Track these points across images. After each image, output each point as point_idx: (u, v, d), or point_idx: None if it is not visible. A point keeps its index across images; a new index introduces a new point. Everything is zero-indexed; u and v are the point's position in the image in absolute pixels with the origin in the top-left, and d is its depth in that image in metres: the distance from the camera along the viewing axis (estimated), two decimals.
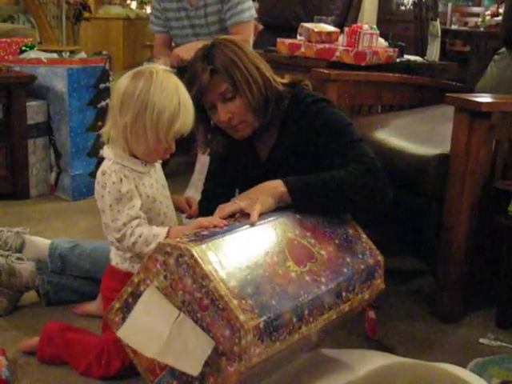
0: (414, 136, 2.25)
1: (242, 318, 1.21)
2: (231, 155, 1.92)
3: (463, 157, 1.94)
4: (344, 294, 1.50)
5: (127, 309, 1.41)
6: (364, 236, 1.65)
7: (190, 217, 1.80)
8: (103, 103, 3.25)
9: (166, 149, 1.60)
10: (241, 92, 1.71)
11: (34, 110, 3.15)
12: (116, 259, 1.67)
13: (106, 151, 1.60)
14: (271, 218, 1.50)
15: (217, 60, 1.71)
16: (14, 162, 3.09)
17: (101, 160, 1.62)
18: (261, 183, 1.63)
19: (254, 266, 1.33)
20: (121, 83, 1.57)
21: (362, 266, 1.57)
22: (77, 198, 3.18)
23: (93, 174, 3.17)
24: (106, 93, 3.28)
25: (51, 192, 3.27)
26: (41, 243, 2.12)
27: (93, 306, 1.98)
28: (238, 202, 1.54)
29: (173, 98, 1.53)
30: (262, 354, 1.25)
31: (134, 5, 8.39)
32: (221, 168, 1.99)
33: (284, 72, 2.95)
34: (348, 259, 1.55)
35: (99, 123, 3.21)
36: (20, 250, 2.09)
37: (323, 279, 1.44)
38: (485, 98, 1.99)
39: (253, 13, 3.25)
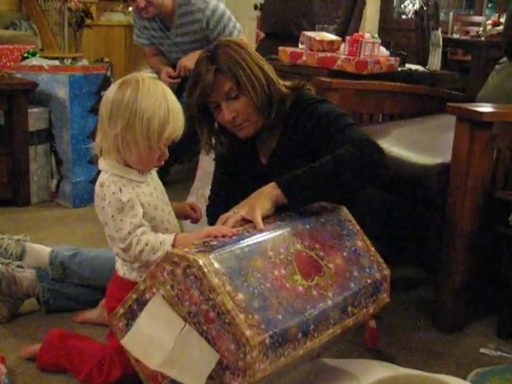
0: (415, 145, 2.25)
1: (248, 333, 1.21)
2: (234, 159, 1.93)
3: (464, 166, 1.94)
4: (350, 308, 1.49)
5: (131, 315, 1.40)
6: (372, 249, 1.64)
7: (195, 222, 1.80)
8: None
9: (160, 156, 1.58)
10: (244, 91, 1.73)
11: (36, 117, 3.15)
12: (123, 269, 1.65)
13: (100, 164, 1.59)
14: (281, 230, 1.48)
15: (221, 60, 1.73)
16: (15, 168, 3.09)
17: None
18: (262, 187, 1.63)
19: (261, 279, 1.32)
20: (108, 94, 1.55)
21: (369, 281, 1.56)
22: (77, 205, 3.18)
23: (94, 181, 3.16)
24: None
25: (52, 199, 3.27)
26: (41, 251, 2.12)
27: (93, 314, 1.98)
28: (238, 211, 1.54)
29: (161, 104, 1.52)
30: (266, 370, 1.25)
31: None
32: (225, 173, 2.00)
33: (286, 80, 2.96)
34: (355, 273, 1.53)
35: None
36: (20, 257, 2.09)
37: (330, 293, 1.43)
38: (486, 108, 1.99)
39: (238, 27, 3.27)
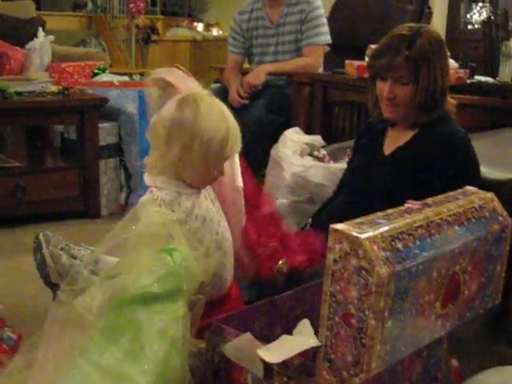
0: (486, 160, 2.19)
1: (373, 365, 1.16)
2: (363, 144, 2.07)
3: None
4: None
5: None
6: (503, 274, 1.53)
7: None
8: None
9: (217, 174, 1.58)
10: (417, 86, 1.80)
11: (106, 132, 3.23)
12: None
13: (150, 180, 1.63)
14: (456, 244, 1.32)
15: (416, 50, 1.79)
16: (86, 181, 3.17)
17: None
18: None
19: (413, 304, 1.22)
20: (166, 113, 1.54)
21: (481, 311, 1.49)
22: None
23: None
24: None
25: (121, 211, 3.33)
26: (113, 262, 2.17)
27: None
28: None
29: (221, 124, 1.52)
30: None
31: (200, 27, 8.53)
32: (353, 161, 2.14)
33: (353, 95, 2.95)
34: (477, 302, 1.44)
35: None
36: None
37: (448, 324, 1.35)
38: None
39: (328, 38, 3.37)
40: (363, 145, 2.08)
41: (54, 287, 2.03)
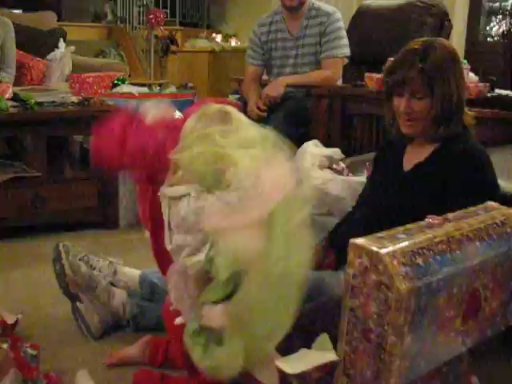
0: (507, 174, 2.18)
1: (392, 381, 1.16)
2: (382, 160, 2.07)
3: None
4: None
5: None
6: None
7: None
8: None
9: None
10: (432, 99, 1.79)
11: None
12: None
13: None
14: (476, 260, 1.31)
15: (429, 62, 1.77)
16: (104, 192, 3.19)
17: None
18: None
19: (433, 318, 1.22)
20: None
21: (503, 328, 1.48)
22: None
23: None
24: None
25: (139, 222, 3.33)
26: (131, 273, 2.18)
27: (133, 351, 1.95)
28: None
29: None
30: None
31: (219, 38, 8.57)
32: (372, 178, 2.13)
33: (372, 107, 2.94)
34: (498, 319, 1.43)
35: None
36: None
37: (468, 341, 1.35)
38: None
39: (347, 51, 3.38)
40: (383, 161, 2.07)
41: (72, 297, 2.05)
